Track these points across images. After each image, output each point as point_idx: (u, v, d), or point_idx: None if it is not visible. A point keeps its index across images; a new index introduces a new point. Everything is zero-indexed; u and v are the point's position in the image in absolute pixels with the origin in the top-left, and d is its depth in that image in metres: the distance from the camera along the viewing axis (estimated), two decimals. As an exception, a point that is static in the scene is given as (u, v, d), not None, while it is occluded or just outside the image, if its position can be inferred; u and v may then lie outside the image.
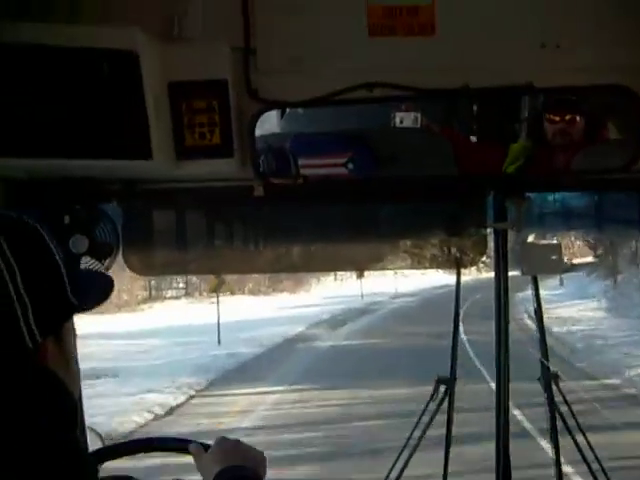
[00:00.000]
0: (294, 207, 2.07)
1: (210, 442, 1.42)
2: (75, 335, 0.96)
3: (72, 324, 0.94)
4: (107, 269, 2.00)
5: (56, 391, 0.85)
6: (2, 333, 0.81)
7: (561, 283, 30.73)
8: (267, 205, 2.01)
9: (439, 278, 35.23)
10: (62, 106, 1.61)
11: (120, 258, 2.07)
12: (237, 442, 1.36)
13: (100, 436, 2.03)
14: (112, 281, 1.07)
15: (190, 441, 1.50)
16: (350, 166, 1.71)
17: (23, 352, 0.82)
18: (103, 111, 1.63)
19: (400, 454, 2.49)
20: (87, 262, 1.95)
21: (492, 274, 2.16)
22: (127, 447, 1.75)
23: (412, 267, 2.41)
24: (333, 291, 38.25)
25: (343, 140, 1.75)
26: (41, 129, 1.61)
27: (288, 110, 1.80)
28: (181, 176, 1.87)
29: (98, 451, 1.76)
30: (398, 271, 36.74)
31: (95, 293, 1.01)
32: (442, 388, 2.39)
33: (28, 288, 0.84)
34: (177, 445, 1.63)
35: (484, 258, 2.20)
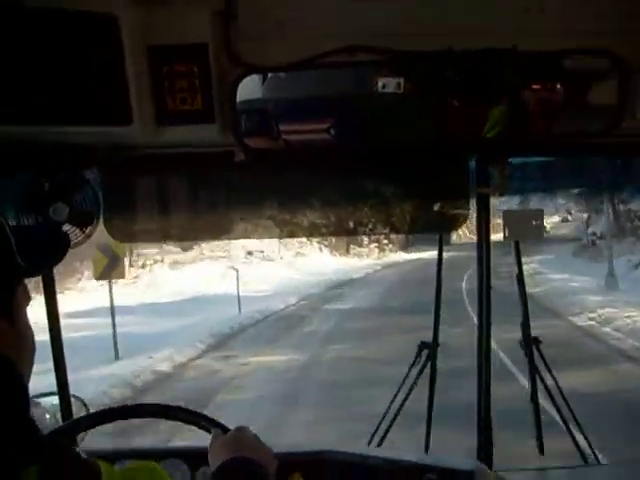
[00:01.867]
0: (276, 173, 2.06)
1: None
2: (29, 301, 0.89)
3: (25, 290, 0.88)
4: (88, 237, 1.99)
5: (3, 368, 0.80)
6: None
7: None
8: (248, 171, 2.00)
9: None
10: (40, 71, 1.59)
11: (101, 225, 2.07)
12: (253, 436, 1.37)
13: (84, 404, 2.04)
14: (68, 240, 1.02)
15: (218, 423, 1.53)
16: (332, 132, 1.70)
17: None
18: (82, 76, 1.61)
19: (383, 418, 2.53)
20: (68, 229, 1.94)
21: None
22: (156, 409, 1.79)
23: (395, 232, 2.42)
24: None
25: (325, 105, 1.74)
26: (18, 95, 1.59)
27: (270, 75, 1.78)
28: (162, 142, 1.85)
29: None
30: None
31: (45, 257, 0.95)
32: (425, 353, 2.42)
33: None
34: (204, 423, 1.66)
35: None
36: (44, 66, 1.58)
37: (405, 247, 41.36)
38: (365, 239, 37.12)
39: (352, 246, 38.90)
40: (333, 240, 35.13)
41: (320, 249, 37.17)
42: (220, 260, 29.56)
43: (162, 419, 1.78)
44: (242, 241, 27.80)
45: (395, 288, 24.21)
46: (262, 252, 32.92)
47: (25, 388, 0.84)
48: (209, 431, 1.54)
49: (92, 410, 2.01)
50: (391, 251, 41.26)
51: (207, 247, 29.83)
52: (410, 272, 28.03)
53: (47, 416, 2.02)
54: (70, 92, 1.62)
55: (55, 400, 2.12)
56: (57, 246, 1.01)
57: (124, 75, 1.62)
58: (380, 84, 1.67)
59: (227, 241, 24.94)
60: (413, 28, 1.64)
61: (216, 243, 27.66)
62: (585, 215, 36.28)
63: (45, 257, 0.97)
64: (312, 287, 25.61)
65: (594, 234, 30.71)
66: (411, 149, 1.87)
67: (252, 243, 30.94)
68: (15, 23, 1.54)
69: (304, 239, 32.56)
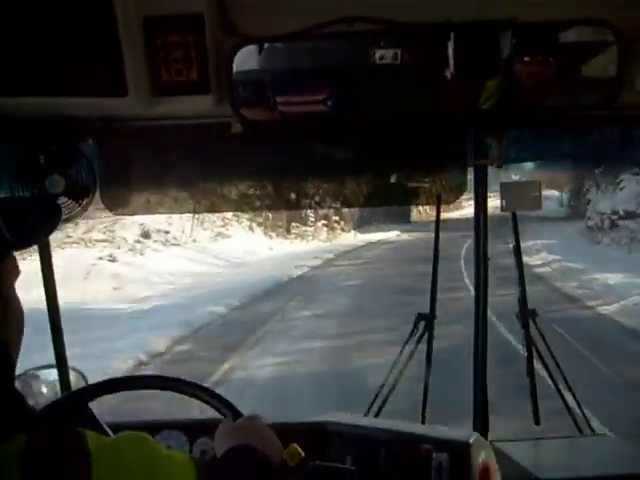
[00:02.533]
0: (272, 144, 2.05)
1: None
2: (17, 274, 0.88)
3: (14, 263, 0.87)
4: (84, 209, 1.99)
5: None
6: None
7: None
8: (244, 142, 1.99)
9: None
10: (34, 42, 1.57)
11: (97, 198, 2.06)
12: (263, 425, 1.38)
13: (83, 376, 2.06)
14: (59, 213, 1.01)
15: (233, 408, 1.55)
16: (329, 103, 1.69)
17: None
18: (76, 47, 1.59)
19: (381, 388, 2.55)
20: (64, 202, 1.94)
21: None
22: (181, 384, 1.81)
23: (393, 203, 2.42)
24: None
25: (322, 77, 1.72)
26: (12, 67, 1.57)
27: (266, 46, 1.76)
28: (157, 113, 1.84)
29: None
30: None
31: (42, 226, 0.94)
32: (422, 324, 2.44)
33: None
34: (220, 406, 1.68)
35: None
36: (38, 38, 1.57)
37: (360, 225, 34.52)
38: (312, 215, 30.12)
39: (294, 224, 31.12)
40: (270, 216, 28.39)
41: (250, 227, 29.25)
42: (98, 246, 20.94)
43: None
44: (141, 218, 20.63)
45: (361, 309, 13.83)
46: (167, 233, 24.04)
47: (9, 358, 0.83)
48: (224, 414, 1.56)
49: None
50: (343, 230, 33.78)
51: (85, 227, 21.01)
52: (380, 266, 20.80)
53: (44, 389, 2.03)
54: (64, 64, 1.60)
55: (54, 373, 2.13)
56: (50, 218, 1.00)
57: (119, 46, 1.61)
58: (377, 55, 1.66)
59: (111, 220, 20.41)
60: None
61: (101, 221, 20.84)
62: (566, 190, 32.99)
63: (38, 229, 0.95)
64: (222, 297, 15.42)
65: (615, 213, 25.00)
66: (408, 121, 1.86)
67: (156, 220, 22.34)
68: None
69: (230, 215, 25.94)
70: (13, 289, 0.87)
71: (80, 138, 1.97)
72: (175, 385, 1.83)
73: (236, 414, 1.58)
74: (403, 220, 34.03)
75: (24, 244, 0.88)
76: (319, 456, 1.98)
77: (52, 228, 0.99)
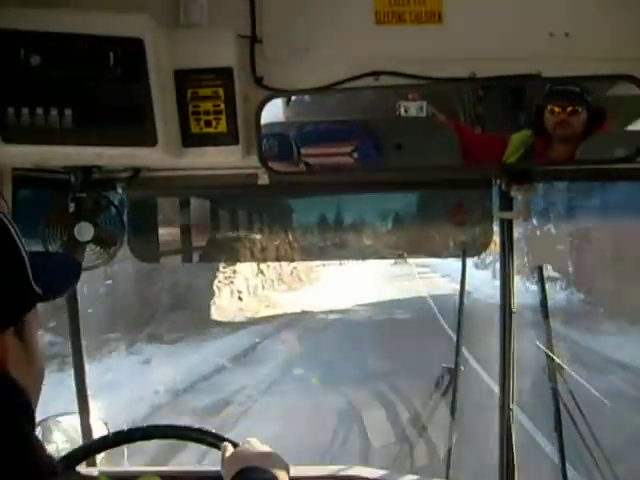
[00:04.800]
0: (298, 195, 2.07)
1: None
2: (38, 326, 0.91)
3: (36, 315, 0.90)
4: (112, 257, 2.01)
5: (6, 390, 0.81)
6: None
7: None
8: (271, 193, 2.01)
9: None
10: (67, 93, 1.61)
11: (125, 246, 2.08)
12: (265, 449, 1.38)
13: (105, 424, 2.05)
14: (79, 269, 1.04)
15: (224, 438, 1.53)
16: (355, 155, 1.70)
17: None
18: (109, 99, 1.63)
19: (402, 440, 2.50)
20: (92, 250, 1.96)
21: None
22: (160, 431, 1.79)
23: (419, 255, 2.42)
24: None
25: (348, 129, 1.74)
26: (47, 117, 1.61)
27: (294, 98, 1.79)
28: (186, 164, 1.87)
29: (105, 438, 1.78)
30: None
31: (60, 283, 0.97)
32: (446, 378, 2.40)
33: None
34: (212, 440, 1.66)
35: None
36: (72, 88, 1.61)
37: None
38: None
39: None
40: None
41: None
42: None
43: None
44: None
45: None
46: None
47: (29, 405, 0.85)
48: (218, 448, 1.53)
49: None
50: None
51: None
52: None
53: (65, 436, 2.03)
54: (97, 115, 1.64)
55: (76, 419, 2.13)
56: (73, 274, 1.04)
57: (150, 98, 1.64)
58: (403, 108, 1.68)
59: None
60: (436, 53, 1.65)
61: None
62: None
63: (61, 284, 0.98)
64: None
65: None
66: (433, 173, 1.87)
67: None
68: (45, 48, 1.57)
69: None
70: (36, 340, 0.89)
71: (110, 187, 2.01)
72: (169, 432, 1.80)
73: (233, 443, 1.56)
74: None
75: (48, 297, 0.90)
76: None
77: (76, 280, 1.03)
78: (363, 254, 2.46)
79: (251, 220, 2.28)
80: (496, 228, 2.09)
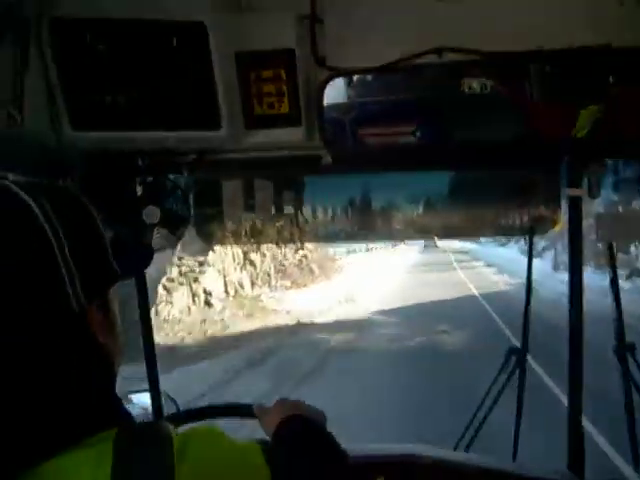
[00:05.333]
0: (361, 176, 2.06)
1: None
2: (117, 303, 0.98)
3: (116, 291, 0.97)
4: (179, 239, 2.05)
5: (95, 355, 0.88)
6: (48, 295, 0.83)
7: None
8: (334, 173, 2.01)
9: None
10: (131, 78, 1.64)
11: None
12: (298, 401, 1.39)
13: (174, 402, 2.10)
14: (152, 252, 1.12)
15: (251, 405, 1.55)
16: (418, 134, 1.69)
17: (68, 315, 0.85)
18: (172, 82, 1.66)
19: (470, 423, 2.49)
20: (159, 233, 2.00)
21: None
22: (192, 413, 1.81)
23: (485, 235, 2.37)
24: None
25: (411, 107, 1.73)
26: (112, 102, 1.65)
27: (355, 78, 1.78)
28: (249, 145, 1.88)
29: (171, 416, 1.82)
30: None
31: (135, 263, 1.06)
32: (513, 359, 2.37)
33: (73, 253, 0.85)
34: (242, 410, 1.67)
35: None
36: (136, 74, 1.64)
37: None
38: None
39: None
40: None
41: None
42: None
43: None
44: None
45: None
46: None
47: (112, 367, 0.93)
48: (251, 413, 1.54)
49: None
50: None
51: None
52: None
53: (136, 413, 2.08)
54: (160, 98, 1.67)
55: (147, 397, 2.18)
56: (146, 255, 1.12)
57: (212, 81, 1.66)
58: (466, 84, 1.65)
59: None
60: (501, 27, 1.61)
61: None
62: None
63: (136, 262, 1.07)
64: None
65: None
66: (499, 150, 1.84)
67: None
68: (107, 34, 1.60)
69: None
70: (116, 314, 0.97)
71: (175, 170, 2.04)
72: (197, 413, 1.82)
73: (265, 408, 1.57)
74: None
75: (126, 276, 0.99)
76: None
77: (149, 260, 1.10)
78: (428, 234, 2.43)
79: (316, 200, 2.28)
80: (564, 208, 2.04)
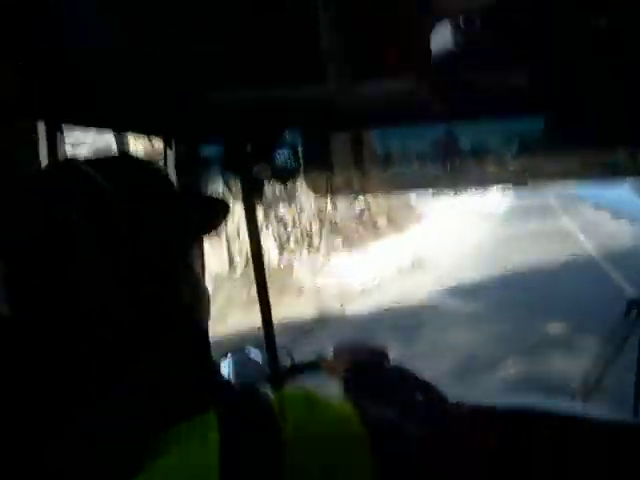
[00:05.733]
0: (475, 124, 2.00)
1: None
2: (203, 257, 1.02)
3: (201, 246, 1.01)
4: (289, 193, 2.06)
5: (187, 316, 0.90)
6: (141, 258, 0.85)
7: None
8: (444, 121, 1.97)
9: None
10: (237, 33, 1.64)
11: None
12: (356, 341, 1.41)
13: (290, 355, 2.14)
14: (227, 207, 1.13)
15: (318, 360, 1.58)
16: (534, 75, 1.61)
17: (157, 276, 0.87)
18: (279, 36, 1.64)
19: (588, 376, 2.42)
20: (271, 186, 2.02)
21: None
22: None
23: (591, 178, 2.24)
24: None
25: (523, 50, 1.65)
26: (217, 59, 1.65)
27: (462, 20, 1.71)
28: (359, 97, 1.86)
29: None
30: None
31: (212, 219, 1.06)
32: (634, 312, 2.29)
33: (152, 216, 0.88)
34: (311, 365, 1.71)
35: None
36: (242, 29, 1.63)
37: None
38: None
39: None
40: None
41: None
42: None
43: None
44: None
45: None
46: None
47: (207, 334, 0.95)
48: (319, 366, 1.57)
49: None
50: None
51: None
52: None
53: (253, 367, 2.13)
54: (267, 53, 1.66)
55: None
56: (223, 208, 1.12)
57: (317, 32, 1.63)
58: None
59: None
60: None
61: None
62: None
63: (214, 217, 1.07)
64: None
65: None
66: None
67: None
68: None
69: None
70: (203, 265, 1.00)
71: (283, 125, 2.04)
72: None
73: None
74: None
75: (204, 232, 1.04)
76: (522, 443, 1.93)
77: (224, 218, 1.10)
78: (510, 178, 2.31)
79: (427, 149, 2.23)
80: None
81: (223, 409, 0.82)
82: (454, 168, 2.16)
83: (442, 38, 1.66)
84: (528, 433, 2.03)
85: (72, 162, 0.87)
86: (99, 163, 0.89)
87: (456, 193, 31.50)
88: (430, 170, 2.18)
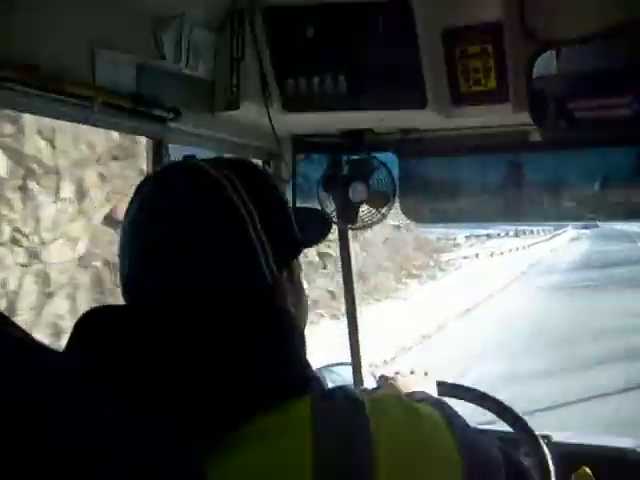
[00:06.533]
0: (573, 152, 1.97)
1: None
2: (301, 270, 1.02)
3: (299, 259, 1.00)
4: (384, 216, 2.08)
5: (288, 322, 0.91)
6: (244, 269, 0.87)
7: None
8: (543, 151, 1.95)
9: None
10: (340, 61, 1.69)
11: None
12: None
13: (375, 376, 2.14)
14: (330, 220, 1.12)
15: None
16: (635, 106, 1.58)
17: (263, 287, 0.88)
18: (379, 63, 1.68)
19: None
20: (365, 210, 2.05)
21: None
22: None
23: None
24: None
25: (626, 78, 1.62)
26: (322, 85, 1.70)
27: (564, 49, 1.69)
28: (455, 123, 1.87)
29: None
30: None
31: (316, 231, 1.07)
32: None
33: (265, 229, 0.88)
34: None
35: None
36: (344, 56, 1.68)
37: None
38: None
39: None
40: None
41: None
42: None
43: None
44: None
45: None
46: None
47: (302, 334, 0.95)
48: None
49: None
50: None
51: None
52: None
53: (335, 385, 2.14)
54: (368, 79, 1.70)
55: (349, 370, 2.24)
56: (325, 224, 1.15)
57: (418, 59, 1.66)
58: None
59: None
60: None
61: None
62: None
63: (317, 233, 1.08)
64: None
65: None
66: None
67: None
68: (316, 19, 1.66)
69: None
70: (301, 281, 1.02)
71: (381, 148, 2.07)
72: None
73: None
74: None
75: (309, 245, 1.03)
76: None
77: (326, 233, 1.12)
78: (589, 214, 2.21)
79: (523, 178, 2.21)
80: None
81: (318, 396, 0.85)
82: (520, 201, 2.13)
83: (543, 65, 1.65)
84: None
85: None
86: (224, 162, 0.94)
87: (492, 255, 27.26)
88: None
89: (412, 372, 1.66)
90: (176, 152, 1.65)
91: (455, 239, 30.31)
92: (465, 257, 25.66)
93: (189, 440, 0.75)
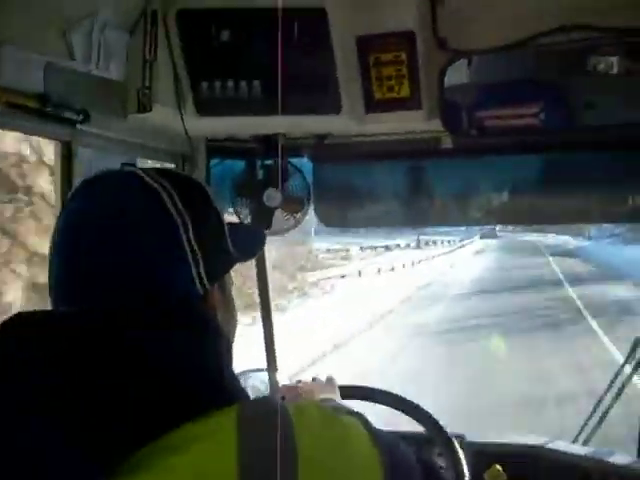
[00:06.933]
0: (482, 160, 2.02)
1: None
2: (232, 284, 1.02)
3: (230, 274, 1.01)
4: (299, 222, 2.08)
5: (216, 333, 0.91)
6: (175, 278, 0.87)
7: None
8: (454, 157, 1.98)
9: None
10: (255, 66, 1.68)
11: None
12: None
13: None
14: (264, 236, 1.13)
15: None
16: (542, 116, 1.63)
17: (193, 297, 0.88)
18: (293, 68, 1.68)
19: (591, 415, 2.41)
20: (280, 215, 2.04)
21: None
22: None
23: (621, 220, 2.24)
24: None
25: (534, 89, 1.67)
26: (236, 89, 1.69)
27: (475, 59, 1.74)
28: (369, 129, 1.89)
29: None
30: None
31: (250, 247, 1.07)
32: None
33: (198, 239, 0.88)
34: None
35: None
36: (257, 61, 1.67)
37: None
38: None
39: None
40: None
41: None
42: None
43: None
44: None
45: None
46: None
47: (231, 348, 0.96)
48: None
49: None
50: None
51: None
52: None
53: (252, 391, 2.13)
54: (281, 83, 1.69)
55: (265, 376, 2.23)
56: (259, 241, 1.14)
57: (333, 65, 1.67)
58: (592, 64, 1.58)
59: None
60: (632, 2, 1.53)
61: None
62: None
63: (251, 246, 1.09)
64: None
65: None
66: (629, 133, 1.76)
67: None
68: (231, 23, 1.65)
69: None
70: (232, 295, 1.02)
71: (296, 154, 2.07)
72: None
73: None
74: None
75: (242, 259, 1.02)
76: None
77: (261, 248, 1.14)
78: (552, 219, 2.31)
79: (435, 184, 2.25)
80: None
81: (243, 408, 0.83)
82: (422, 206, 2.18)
83: (455, 74, 1.69)
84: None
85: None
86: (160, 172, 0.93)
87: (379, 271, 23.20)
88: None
89: (314, 379, 1.68)
90: (86, 155, 1.60)
91: (348, 250, 28.80)
92: (343, 276, 22.41)
93: (87, 444, 0.73)
